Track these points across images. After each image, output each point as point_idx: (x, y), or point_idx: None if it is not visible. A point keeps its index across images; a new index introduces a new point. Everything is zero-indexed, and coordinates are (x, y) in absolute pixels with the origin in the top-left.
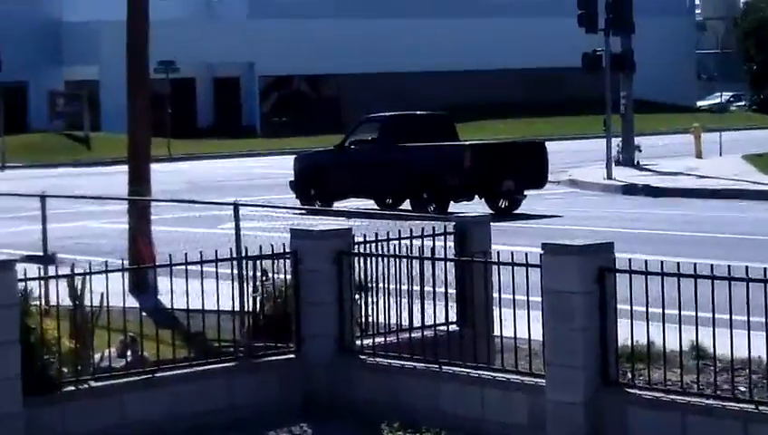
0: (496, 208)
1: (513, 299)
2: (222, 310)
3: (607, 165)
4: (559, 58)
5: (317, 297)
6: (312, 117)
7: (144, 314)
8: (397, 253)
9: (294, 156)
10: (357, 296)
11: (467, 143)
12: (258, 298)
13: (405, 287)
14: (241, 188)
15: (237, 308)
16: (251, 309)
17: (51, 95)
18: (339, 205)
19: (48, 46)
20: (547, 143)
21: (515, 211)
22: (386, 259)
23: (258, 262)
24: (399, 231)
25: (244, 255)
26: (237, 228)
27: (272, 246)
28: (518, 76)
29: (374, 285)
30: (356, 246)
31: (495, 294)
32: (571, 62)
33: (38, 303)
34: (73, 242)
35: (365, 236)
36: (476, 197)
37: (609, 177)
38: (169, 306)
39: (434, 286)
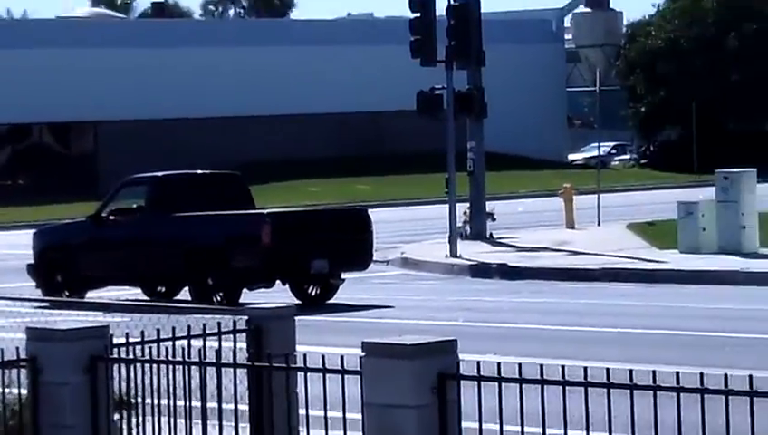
0: (305, 297)
1: (326, 417)
2: None
3: (450, 239)
4: (386, 99)
5: (63, 418)
6: (59, 178)
7: None
8: (170, 357)
9: (34, 231)
10: (117, 416)
11: (266, 211)
12: None
13: (181, 403)
14: None
15: None
16: None
17: None
18: (94, 295)
19: None
20: (371, 211)
21: (329, 301)
22: (156, 366)
23: None
24: (174, 328)
25: None
26: None
27: (1, 350)
28: (332, 123)
29: (140, 400)
30: (115, 350)
31: (301, 411)
32: (402, 103)
33: None
34: None
35: (127, 335)
36: (278, 282)
37: (454, 254)
38: None
39: (219, 401)
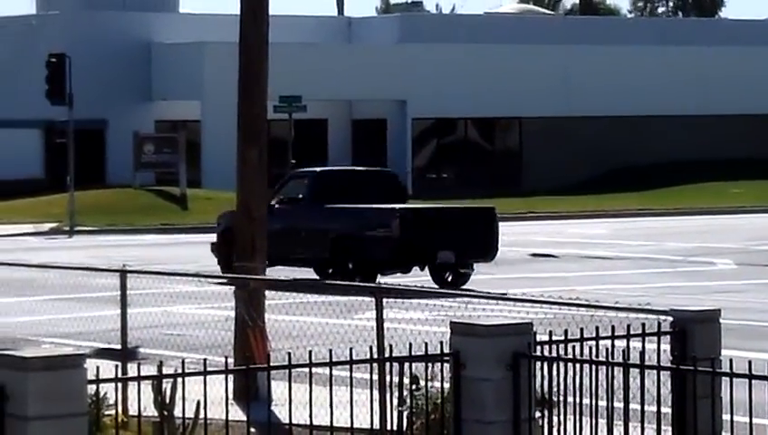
0: (442, 282)
1: (750, 423)
2: (357, 428)
3: None
4: None
5: (484, 414)
6: (482, 173)
7: (253, 429)
8: (593, 357)
9: (219, 213)
10: (538, 414)
11: (397, 207)
12: (406, 413)
13: (603, 404)
14: None
15: (378, 425)
16: (396, 427)
17: (136, 139)
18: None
19: (133, 75)
20: None
21: (464, 286)
22: (578, 365)
23: (407, 365)
24: (597, 328)
25: (387, 355)
26: (379, 320)
27: (425, 344)
28: (755, 124)
29: (562, 399)
30: (538, 347)
31: (725, 416)
32: None
33: (114, 411)
34: (161, 332)
35: (551, 333)
36: (417, 268)
37: None
38: (287, 420)
39: (642, 403)
